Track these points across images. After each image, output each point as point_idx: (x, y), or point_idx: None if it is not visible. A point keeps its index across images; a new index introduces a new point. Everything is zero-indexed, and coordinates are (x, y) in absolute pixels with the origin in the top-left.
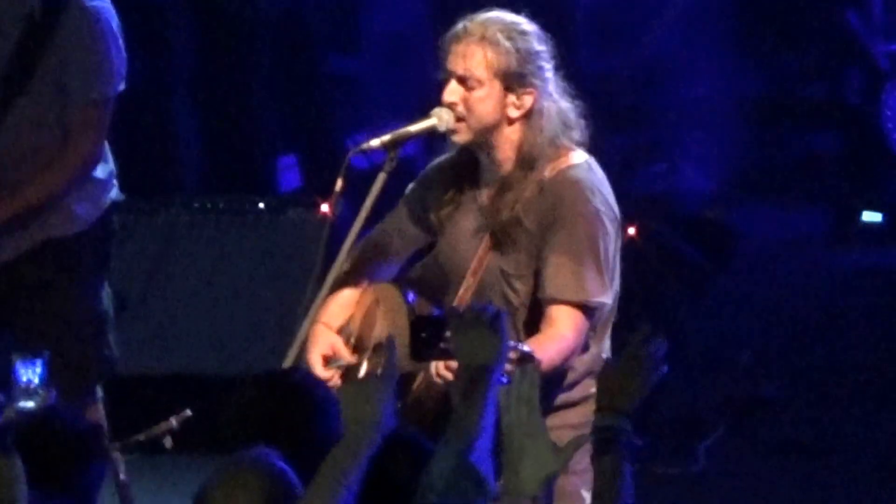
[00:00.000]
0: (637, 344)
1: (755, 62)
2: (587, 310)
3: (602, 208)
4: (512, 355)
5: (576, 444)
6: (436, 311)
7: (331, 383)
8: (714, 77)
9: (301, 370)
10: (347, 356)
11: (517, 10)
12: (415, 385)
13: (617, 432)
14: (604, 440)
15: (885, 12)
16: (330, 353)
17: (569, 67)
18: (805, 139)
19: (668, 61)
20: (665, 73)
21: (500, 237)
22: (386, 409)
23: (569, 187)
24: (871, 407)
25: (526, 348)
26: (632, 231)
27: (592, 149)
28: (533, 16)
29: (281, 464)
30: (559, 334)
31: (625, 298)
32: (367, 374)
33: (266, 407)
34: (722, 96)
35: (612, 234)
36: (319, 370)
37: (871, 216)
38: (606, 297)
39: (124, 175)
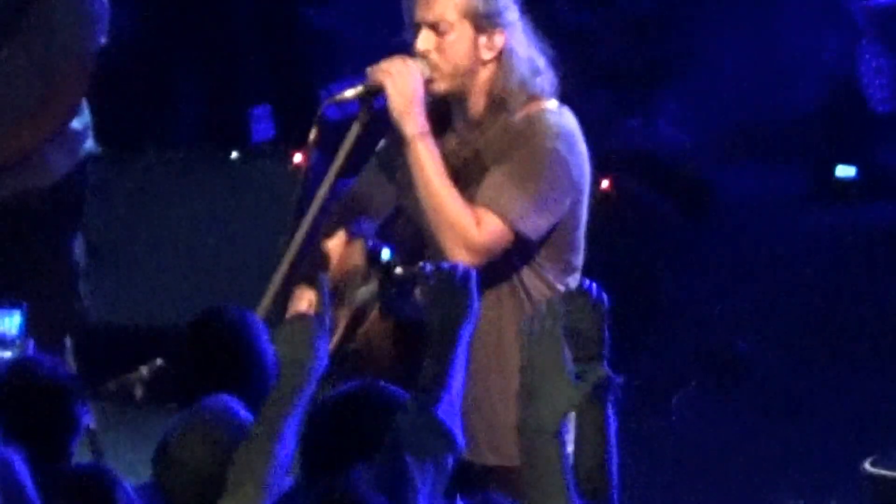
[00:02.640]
0: (569, 295)
1: (733, 20)
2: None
3: (562, 153)
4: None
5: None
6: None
7: None
8: (691, 34)
9: (231, 308)
10: None
11: None
12: (363, 328)
13: (601, 380)
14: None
15: None
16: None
17: (546, 20)
18: (782, 96)
19: (646, 17)
20: (643, 30)
21: (461, 176)
22: (319, 350)
23: (532, 125)
24: (845, 364)
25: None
26: (605, 184)
27: (569, 103)
28: None
29: (242, 413)
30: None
31: (600, 253)
32: (299, 314)
33: (202, 347)
34: (699, 53)
35: (563, 180)
36: None
37: (844, 170)
38: (530, 230)
39: (98, 126)
